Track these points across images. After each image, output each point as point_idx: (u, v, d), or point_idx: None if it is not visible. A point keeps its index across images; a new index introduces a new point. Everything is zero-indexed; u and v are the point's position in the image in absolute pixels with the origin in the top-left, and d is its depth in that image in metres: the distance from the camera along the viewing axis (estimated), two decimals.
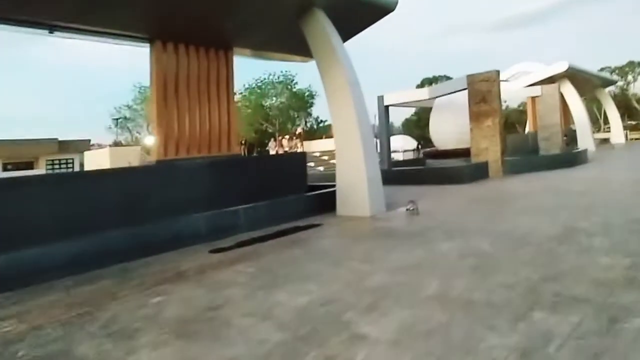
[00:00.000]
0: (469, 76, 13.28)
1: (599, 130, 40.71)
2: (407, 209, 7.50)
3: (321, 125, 53.90)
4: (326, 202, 8.41)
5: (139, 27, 7.75)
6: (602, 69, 45.21)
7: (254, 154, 31.81)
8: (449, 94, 14.90)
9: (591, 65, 53.52)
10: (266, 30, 8.70)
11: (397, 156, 27.77)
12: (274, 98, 36.74)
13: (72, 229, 5.56)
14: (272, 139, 32.16)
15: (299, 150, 30.30)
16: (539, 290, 3.15)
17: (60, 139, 37.79)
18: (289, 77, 46.28)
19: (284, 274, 4.33)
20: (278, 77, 35.57)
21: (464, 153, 13.89)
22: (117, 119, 41.76)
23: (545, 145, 18.44)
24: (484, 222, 6.05)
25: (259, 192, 7.94)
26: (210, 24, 7.94)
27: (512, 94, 24.00)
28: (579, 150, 17.84)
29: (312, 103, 50.84)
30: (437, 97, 15.84)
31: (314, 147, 40.20)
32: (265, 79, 35.93)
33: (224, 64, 9.14)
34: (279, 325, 3.01)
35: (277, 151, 29.54)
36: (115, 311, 3.74)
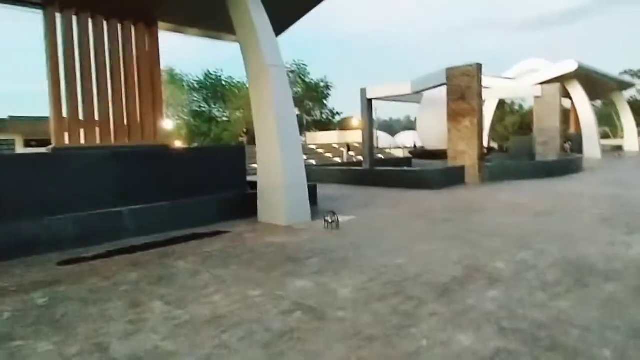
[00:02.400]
0: (448, 69, 11.72)
1: (616, 137, 38.15)
2: (325, 221, 6.36)
3: (337, 116, 52.42)
4: (254, 205, 7.30)
5: None
6: (624, 72, 42.27)
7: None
8: (429, 88, 13.38)
9: (621, 68, 49.79)
10: (191, 4, 7.59)
11: (399, 153, 26.61)
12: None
13: None
14: None
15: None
16: None
17: None
18: (302, 66, 44.65)
19: (61, 314, 3.26)
20: (291, 66, 33.61)
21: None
22: None
23: (542, 150, 16.84)
24: (390, 249, 4.88)
25: (169, 189, 6.89)
26: None
27: (519, 92, 22.41)
28: (573, 157, 16.17)
29: (327, 94, 49.35)
30: (418, 91, 14.33)
31: (319, 139, 38.92)
32: None
33: (147, 41, 7.98)
34: None
35: None
36: None
